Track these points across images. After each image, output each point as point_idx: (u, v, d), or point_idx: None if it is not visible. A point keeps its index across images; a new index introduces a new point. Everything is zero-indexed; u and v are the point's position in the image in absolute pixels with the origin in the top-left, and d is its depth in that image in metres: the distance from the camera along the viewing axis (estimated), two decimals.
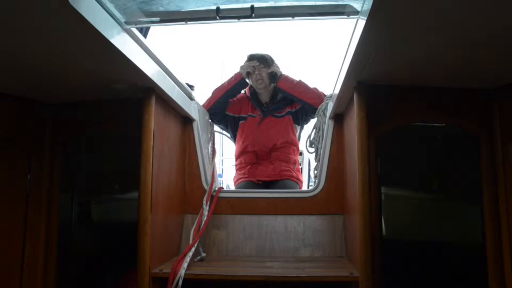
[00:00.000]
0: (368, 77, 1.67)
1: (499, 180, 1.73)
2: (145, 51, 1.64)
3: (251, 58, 2.99)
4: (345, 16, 1.38)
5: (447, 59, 1.53)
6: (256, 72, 2.93)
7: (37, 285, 1.94)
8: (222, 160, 11.33)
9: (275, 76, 2.91)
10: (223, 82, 3.06)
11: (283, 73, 2.95)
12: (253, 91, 3.05)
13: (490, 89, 1.79)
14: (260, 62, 2.95)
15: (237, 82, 2.96)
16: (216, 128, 3.10)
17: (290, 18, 1.41)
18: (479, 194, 1.77)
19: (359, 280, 1.62)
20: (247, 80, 2.99)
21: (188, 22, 1.46)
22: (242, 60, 3.08)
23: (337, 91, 1.98)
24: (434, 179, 1.91)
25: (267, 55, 3.01)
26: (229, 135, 3.21)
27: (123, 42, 1.40)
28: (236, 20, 1.42)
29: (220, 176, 10.22)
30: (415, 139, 1.95)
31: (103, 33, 1.25)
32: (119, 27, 1.40)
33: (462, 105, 1.83)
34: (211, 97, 2.97)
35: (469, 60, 1.53)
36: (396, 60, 1.53)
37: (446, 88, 1.82)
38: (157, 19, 1.47)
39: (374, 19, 1.17)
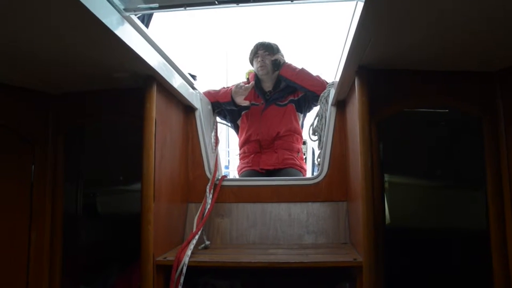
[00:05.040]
0: (369, 61, 1.66)
1: (503, 164, 1.71)
2: (145, 39, 1.64)
3: (259, 46, 3.02)
4: None
5: (448, 42, 1.51)
6: (260, 59, 2.95)
7: (44, 276, 1.95)
8: (228, 151, 11.29)
9: (278, 64, 2.91)
10: (227, 86, 3.07)
11: (287, 61, 2.95)
12: (257, 79, 3.04)
13: (493, 72, 1.76)
14: (265, 50, 2.98)
15: (224, 102, 2.92)
16: (219, 118, 3.10)
17: (289, 1, 1.40)
18: (483, 178, 1.75)
19: (363, 266, 1.62)
20: (236, 100, 2.92)
21: (187, 8, 1.45)
22: (247, 51, 3.10)
23: (338, 77, 1.97)
24: (437, 164, 1.90)
25: (274, 44, 3.04)
26: (229, 125, 3.21)
27: (122, 29, 1.40)
28: (235, 4, 1.41)
29: (227, 167, 10.19)
30: (417, 124, 1.94)
31: (102, 19, 1.24)
32: (118, 14, 1.40)
33: (465, 88, 1.80)
34: (219, 94, 2.94)
35: (470, 43, 1.51)
36: (396, 43, 1.51)
37: (448, 71, 1.79)
38: (156, 5, 1.46)
39: (372, 1, 1.16)
